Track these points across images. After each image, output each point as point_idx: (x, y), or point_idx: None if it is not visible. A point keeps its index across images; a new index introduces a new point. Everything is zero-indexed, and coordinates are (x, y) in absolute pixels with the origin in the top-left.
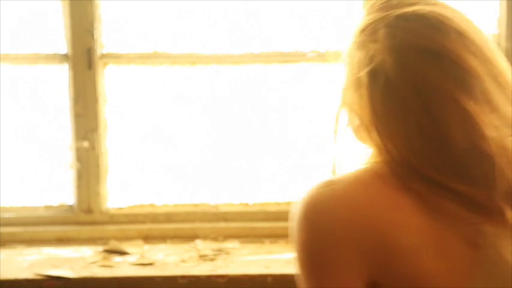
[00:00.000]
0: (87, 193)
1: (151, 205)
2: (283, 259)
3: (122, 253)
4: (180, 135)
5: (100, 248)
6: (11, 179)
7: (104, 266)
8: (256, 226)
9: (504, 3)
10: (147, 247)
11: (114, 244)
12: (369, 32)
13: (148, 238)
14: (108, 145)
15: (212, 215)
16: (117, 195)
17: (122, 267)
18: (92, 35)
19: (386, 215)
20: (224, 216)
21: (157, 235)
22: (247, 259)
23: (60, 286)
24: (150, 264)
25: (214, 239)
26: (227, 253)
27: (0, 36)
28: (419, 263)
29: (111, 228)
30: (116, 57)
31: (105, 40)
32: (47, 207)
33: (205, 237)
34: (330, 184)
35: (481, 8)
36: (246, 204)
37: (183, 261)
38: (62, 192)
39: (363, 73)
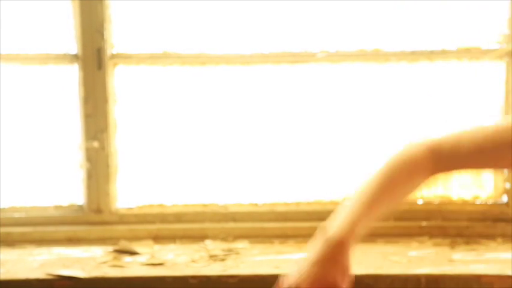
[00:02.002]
0: (96, 193)
1: (161, 205)
2: (294, 259)
3: (132, 253)
4: (190, 136)
5: (110, 248)
6: (20, 179)
7: (114, 266)
8: (266, 226)
9: None
10: (157, 247)
11: (124, 244)
12: None
13: (157, 238)
14: (118, 145)
15: (221, 215)
16: (126, 195)
17: (133, 267)
18: (102, 35)
19: None
20: (233, 217)
21: (167, 235)
22: (258, 259)
23: (72, 286)
24: (161, 264)
25: (224, 239)
26: (237, 253)
27: (11, 36)
28: None
29: (121, 228)
30: (125, 58)
31: (115, 40)
32: (57, 207)
33: (214, 237)
34: None
35: (491, 9)
36: (255, 205)
37: (193, 261)
38: (71, 192)
39: None
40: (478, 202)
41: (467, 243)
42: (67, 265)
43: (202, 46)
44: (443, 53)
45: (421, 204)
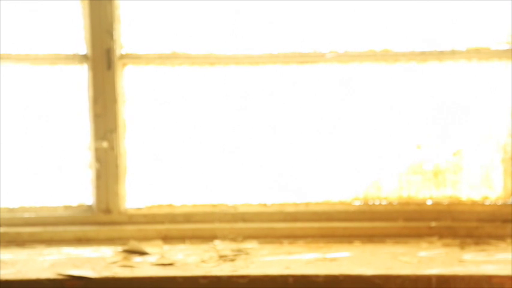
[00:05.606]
0: (106, 193)
1: (170, 205)
2: (303, 259)
3: (142, 253)
4: (198, 136)
5: (119, 248)
6: (30, 179)
7: (124, 266)
8: (275, 226)
9: None
10: (166, 247)
11: (133, 244)
12: None
13: (167, 238)
14: (127, 145)
15: (231, 216)
16: (135, 195)
17: (143, 268)
18: (111, 35)
19: None
20: (243, 217)
21: (176, 235)
22: (267, 259)
23: (82, 286)
24: (171, 264)
25: (233, 239)
26: (247, 253)
27: (21, 36)
28: None
29: (130, 229)
30: (135, 58)
31: (124, 41)
32: (66, 208)
33: (224, 237)
34: None
35: (500, 10)
36: (265, 205)
37: (203, 261)
38: (81, 192)
39: None
40: (487, 203)
41: (477, 243)
42: (77, 265)
43: (211, 46)
44: (453, 54)
45: (430, 205)
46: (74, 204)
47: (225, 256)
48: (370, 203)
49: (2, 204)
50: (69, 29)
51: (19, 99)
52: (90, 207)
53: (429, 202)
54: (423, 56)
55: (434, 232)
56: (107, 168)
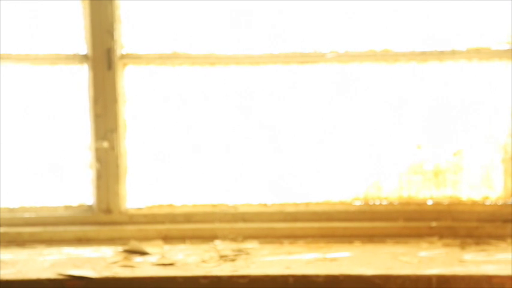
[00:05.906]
0: (106, 193)
1: (170, 205)
2: (304, 259)
3: (142, 253)
4: (199, 136)
5: (120, 248)
6: (30, 179)
7: (125, 266)
8: (275, 226)
9: None
10: (167, 247)
11: (134, 244)
12: None
13: (167, 238)
14: (128, 145)
15: (231, 216)
16: (136, 195)
17: (143, 268)
18: (112, 35)
19: None
20: (243, 217)
21: (177, 235)
22: (268, 259)
23: (83, 286)
24: (171, 264)
25: (234, 239)
26: (247, 253)
27: (21, 36)
28: None
29: (130, 229)
30: (135, 58)
31: (125, 41)
32: (67, 208)
33: (224, 237)
34: None
35: (501, 10)
36: (265, 205)
37: (203, 261)
38: (81, 192)
39: None
40: (487, 203)
41: (477, 243)
42: (77, 265)
43: (212, 46)
44: (453, 54)
45: (430, 205)
46: (75, 204)
47: (226, 256)
48: (371, 203)
49: (2, 204)
50: (69, 29)
51: (19, 99)
52: (90, 207)
53: (429, 202)
54: (423, 56)
55: (435, 232)
56: (108, 168)
